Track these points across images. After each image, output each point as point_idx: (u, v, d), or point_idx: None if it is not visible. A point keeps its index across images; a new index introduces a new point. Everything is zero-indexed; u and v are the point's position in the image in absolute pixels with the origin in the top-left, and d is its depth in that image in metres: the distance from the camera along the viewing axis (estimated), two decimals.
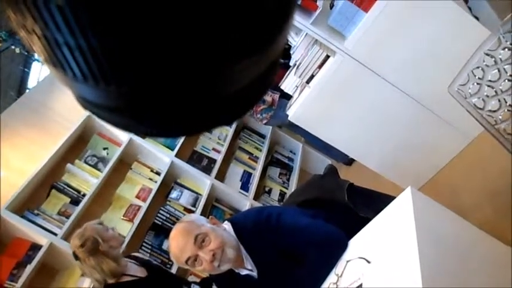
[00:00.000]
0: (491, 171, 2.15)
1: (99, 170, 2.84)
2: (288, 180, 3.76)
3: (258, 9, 0.22)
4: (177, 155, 3.14)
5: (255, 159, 3.68)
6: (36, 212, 2.50)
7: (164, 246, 2.75)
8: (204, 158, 3.35)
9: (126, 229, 2.64)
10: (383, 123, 2.40)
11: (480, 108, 1.15)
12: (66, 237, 2.35)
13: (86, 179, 2.76)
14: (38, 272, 2.40)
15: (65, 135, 2.81)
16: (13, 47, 5.09)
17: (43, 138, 2.89)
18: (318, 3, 2.14)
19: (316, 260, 1.41)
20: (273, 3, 0.23)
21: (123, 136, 3.02)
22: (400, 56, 2.13)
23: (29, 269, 2.27)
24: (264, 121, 3.48)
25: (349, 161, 3.66)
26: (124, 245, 2.44)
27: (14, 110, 3.01)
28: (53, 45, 0.21)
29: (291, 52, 2.62)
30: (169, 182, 3.14)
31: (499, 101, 1.11)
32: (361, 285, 1.14)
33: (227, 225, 1.50)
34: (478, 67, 1.14)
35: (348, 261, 1.31)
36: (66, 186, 2.66)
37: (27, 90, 6.46)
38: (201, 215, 2.67)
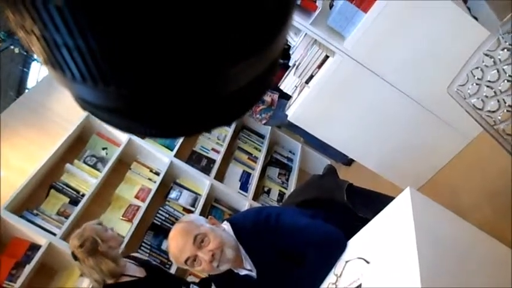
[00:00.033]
0: (491, 171, 2.15)
1: (98, 170, 2.83)
2: (287, 180, 3.76)
3: (257, 9, 0.22)
4: (176, 155, 3.13)
5: (254, 159, 3.68)
6: (35, 212, 2.49)
7: (163, 247, 2.75)
8: (203, 158, 3.35)
9: (125, 229, 2.64)
10: (382, 123, 2.40)
11: (479, 109, 1.15)
12: (65, 238, 2.35)
13: (85, 179, 2.76)
14: (36, 272, 2.40)
15: (64, 135, 2.81)
16: (12, 47, 5.08)
17: (42, 138, 2.89)
18: (317, 3, 2.14)
19: (316, 260, 1.41)
20: (272, 3, 0.23)
21: (122, 136, 3.01)
22: (399, 56, 2.13)
23: (27, 269, 2.27)
24: (263, 121, 3.48)
25: (348, 161, 3.66)
26: (123, 245, 2.45)
27: (14, 110, 3.01)
28: (51, 46, 0.21)
29: (291, 52, 2.62)
30: (169, 182, 3.14)
31: (498, 101, 1.11)
32: (360, 285, 1.14)
33: (226, 226, 1.51)
34: (477, 67, 1.14)
35: (347, 262, 1.31)
36: (65, 186, 2.66)
37: (27, 90, 6.44)
38: (200, 215, 2.67)
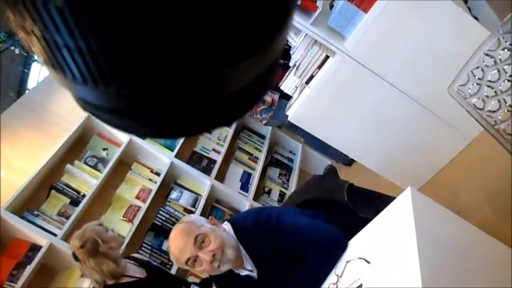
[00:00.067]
0: (491, 171, 2.15)
1: (98, 170, 2.83)
2: (288, 180, 3.76)
3: (257, 9, 0.22)
4: (176, 156, 3.14)
5: (255, 159, 3.67)
6: (36, 212, 2.49)
7: (164, 247, 2.75)
8: (203, 158, 3.35)
9: (126, 230, 2.64)
10: (383, 123, 2.40)
11: (480, 109, 1.15)
12: (66, 238, 2.35)
13: (85, 179, 2.76)
14: (37, 273, 2.40)
15: (65, 136, 2.81)
16: (13, 47, 5.09)
17: (43, 138, 2.89)
18: (317, 3, 2.14)
19: (316, 261, 1.40)
20: (272, 3, 0.23)
21: (123, 137, 3.01)
22: (399, 56, 2.13)
23: (28, 269, 2.27)
24: (264, 121, 3.48)
25: (349, 162, 3.66)
26: (124, 246, 2.45)
27: (14, 110, 3.01)
28: (52, 47, 0.21)
29: (291, 52, 2.62)
30: (169, 182, 3.14)
31: (499, 101, 1.11)
32: (361, 285, 1.14)
33: (227, 226, 1.50)
34: (477, 67, 1.14)
35: (347, 262, 1.31)
36: (65, 187, 2.66)
37: (27, 91, 6.45)
38: (201, 215, 2.67)
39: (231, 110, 0.28)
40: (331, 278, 1.34)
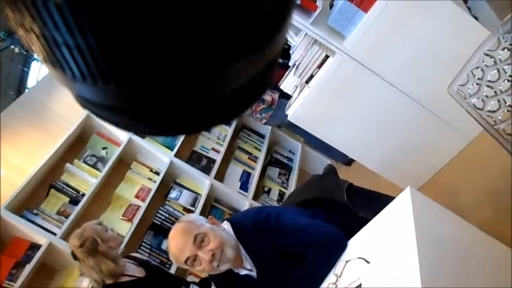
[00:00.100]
0: (491, 171, 2.15)
1: (98, 169, 2.83)
2: (287, 180, 3.76)
3: (256, 10, 0.22)
4: (176, 155, 3.13)
5: (254, 159, 3.67)
6: (35, 211, 2.49)
7: (163, 246, 2.75)
8: (203, 158, 3.35)
9: (125, 229, 2.64)
10: (382, 123, 2.40)
11: (479, 109, 1.15)
12: (65, 237, 2.35)
13: (85, 178, 2.76)
14: (36, 272, 2.40)
15: (64, 134, 2.81)
16: (12, 46, 5.08)
17: (42, 137, 2.89)
18: (317, 3, 2.14)
19: (316, 260, 1.40)
20: (271, 4, 0.23)
21: (123, 136, 3.01)
22: (399, 56, 2.13)
23: (28, 268, 2.27)
24: (264, 121, 3.48)
25: (349, 161, 3.66)
26: (123, 245, 2.45)
27: (14, 109, 3.01)
28: (51, 45, 0.21)
29: (291, 52, 2.62)
30: (169, 181, 3.14)
31: (499, 101, 1.11)
32: (360, 285, 1.14)
33: (226, 225, 1.50)
34: (477, 67, 1.14)
35: (347, 262, 1.31)
36: (65, 186, 2.66)
37: (27, 90, 6.44)
38: (200, 215, 2.67)
39: (230, 107, 0.28)
40: (331, 278, 1.34)
